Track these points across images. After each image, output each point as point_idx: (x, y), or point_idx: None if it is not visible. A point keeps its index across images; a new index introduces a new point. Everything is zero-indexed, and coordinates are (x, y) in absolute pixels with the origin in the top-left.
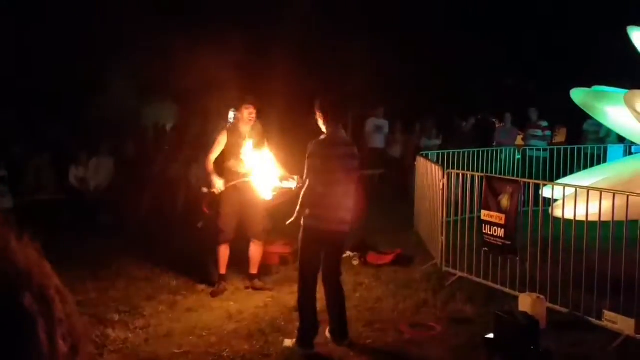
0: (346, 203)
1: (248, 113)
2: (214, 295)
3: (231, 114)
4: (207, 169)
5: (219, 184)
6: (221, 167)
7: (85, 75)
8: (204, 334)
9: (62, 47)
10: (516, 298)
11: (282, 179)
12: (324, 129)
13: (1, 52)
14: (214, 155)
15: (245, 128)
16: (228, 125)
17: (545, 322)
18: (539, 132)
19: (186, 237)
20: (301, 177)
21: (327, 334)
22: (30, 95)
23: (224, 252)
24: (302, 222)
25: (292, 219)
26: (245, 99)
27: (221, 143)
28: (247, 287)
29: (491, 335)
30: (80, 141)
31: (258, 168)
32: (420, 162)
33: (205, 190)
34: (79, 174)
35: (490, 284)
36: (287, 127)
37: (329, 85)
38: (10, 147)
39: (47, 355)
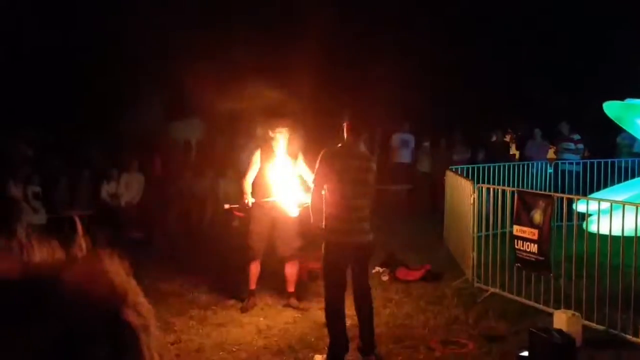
0: (363, 214)
1: (281, 135)
2: (243, 310)
3: (259, 131)
4: (243, 189)
5: (251, 203)
6: (253, 185)
7: (115, 92)
8: (234, 349)
9: (93, 63)
10: (550, 315)
11: (307, 192)
12: (345, 138)
13: (31, 71)
14: (250, 175)
15: (278, 147)
16: (260, 145)
17: (581, 340)
18: (572, 146)
19: (215, 252)
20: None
21: (356, 350)
22: (61, 112)
23: (255, 268)
24: (323, 238)
25: (319, 228)
26: (278, 120)
27: (256, 163)
28: (285, 305)
29: (525, 353)
30: (112, 158)
31: (283, 186)
32: (450, 176)
33: (226, 206)
34: (111, 190)
35: (523, 300)
36: (317, 142)
37: (355, 98)
38: (44, 164)
39: None
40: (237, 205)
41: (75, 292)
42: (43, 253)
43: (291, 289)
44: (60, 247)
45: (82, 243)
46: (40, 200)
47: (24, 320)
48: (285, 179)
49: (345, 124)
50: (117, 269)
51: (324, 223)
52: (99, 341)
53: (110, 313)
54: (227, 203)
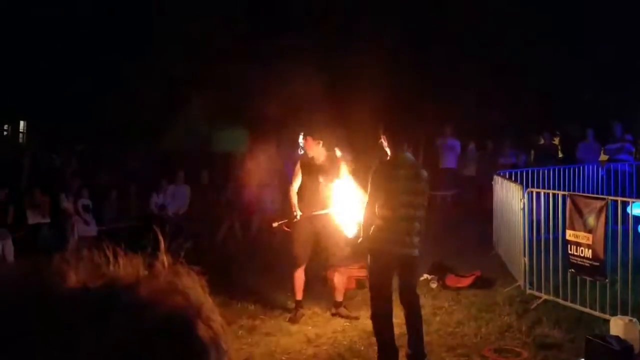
0: (415, 226)
1: (307, 145)
2: (292, 322)
3: (301, 140)
4: (290, 201)
5: (299, 216)
6: (297, 195)
7: (161, 105)
8: (284, 358)
9: (138, 77)
10: (606, 322)
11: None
12: (388, 152)
13: (79, 87)
14: (295, 185)
15: (317, 157)
16: (302, 155)
17: (639, 347)
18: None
19: (261, 262)
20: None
21: (406, 358)
22: (109, 127)
23: (300, 277)
24: (369, 246)
25: (360, 239)
26: (304, 130)
27: (298, 174)
28: (333, 314)
29: None
30: (159, 169)
31: (338, 203)
32: (498, 181)
33: (275, 224)
34: (159, 201)
35: (578, 307)
36: (361, 152)
37: (394, 107)
38: (94, 178)
39: None
40: (286, 221)
41: (148, 302)
42: (127, 267)
43: (340, 298)
44: (143, 262)
45: (164, 259)
46: (90, 213)
47: (91, 325)
48: (339, 195)
49: (383, 138)
50: (194, 285)
51: (370, 232)
52: (169, 352)
53: (182, 325)
54: (273, 214)
